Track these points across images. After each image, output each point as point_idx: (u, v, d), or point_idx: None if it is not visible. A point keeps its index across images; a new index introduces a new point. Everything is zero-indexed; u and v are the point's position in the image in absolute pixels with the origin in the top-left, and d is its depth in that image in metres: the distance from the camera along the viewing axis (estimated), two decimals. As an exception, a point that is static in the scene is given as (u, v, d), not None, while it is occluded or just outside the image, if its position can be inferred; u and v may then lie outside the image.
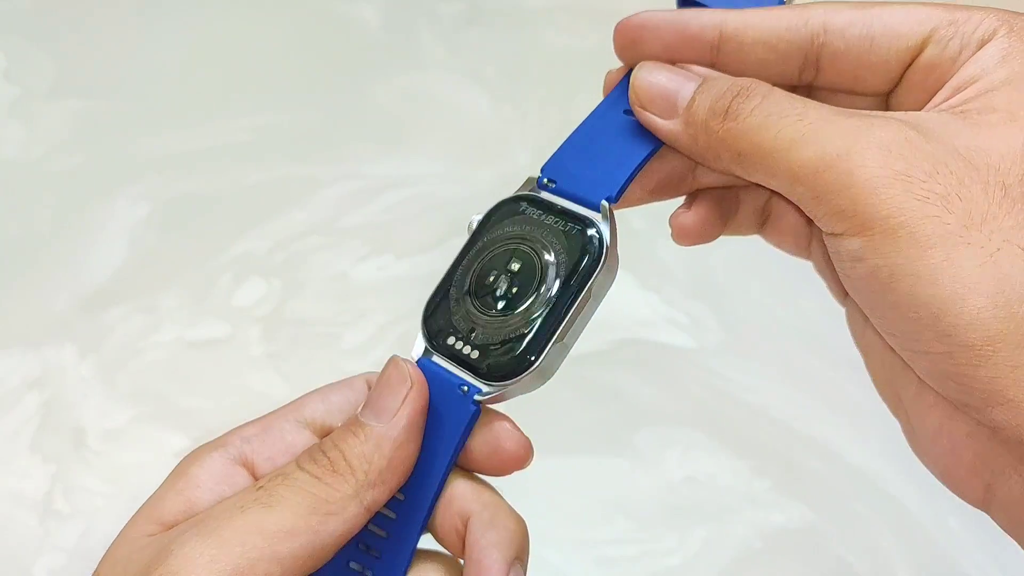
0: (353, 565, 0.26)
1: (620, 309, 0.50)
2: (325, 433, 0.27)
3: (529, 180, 0.29)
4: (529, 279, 0.27)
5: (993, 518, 0.26)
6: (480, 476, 0.27)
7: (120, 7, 0.65)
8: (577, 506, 0.44)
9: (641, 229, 0.49)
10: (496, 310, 0.27)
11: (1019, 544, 0.25)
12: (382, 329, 0.50)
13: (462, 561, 0.26)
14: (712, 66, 0.28)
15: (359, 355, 0.49)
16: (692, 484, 0.45)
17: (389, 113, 0.61)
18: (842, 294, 0.31)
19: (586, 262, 0.27)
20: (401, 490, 0.26)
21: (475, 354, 0.26)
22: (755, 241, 0.33)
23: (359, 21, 0.65)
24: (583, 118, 0.30)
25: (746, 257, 0.49)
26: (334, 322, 0.50)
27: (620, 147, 0.29)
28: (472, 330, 0.27)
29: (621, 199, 0.28)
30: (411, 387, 0.26)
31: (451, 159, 0.58)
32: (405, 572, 0.25)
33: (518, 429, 0.27)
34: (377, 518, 0.25)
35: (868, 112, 0.25)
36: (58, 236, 0.53)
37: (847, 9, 0.27)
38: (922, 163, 0.23)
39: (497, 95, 0.61)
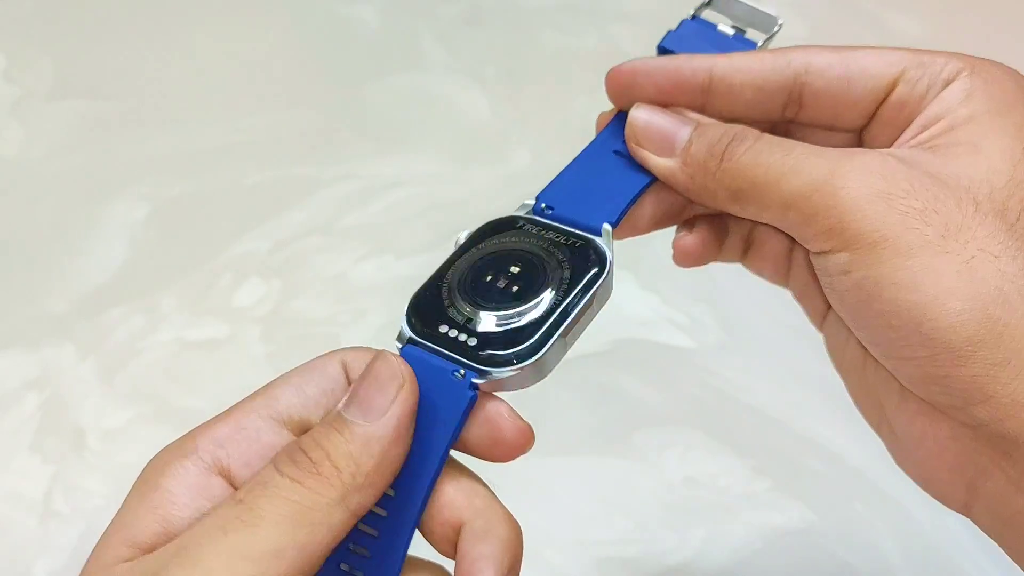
0: (343, 567, 0.25)
1: (620, 309, 0.50)
2: (303, 430, 0.25)
3: (523, 206, 0.30)
4: (532, 278, 0.27)
5: (975, 519, 0.27)
6: (474, 473, 0.26)
7: (120, 8, 0.65)
8: (576, 506, 0.44)
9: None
10: (498, 304, 0.27)
11: (1000, 543, 0.27)
12: (382, 329, 0.50)
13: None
14: (702, 108, 0.31)
15: (359, 355, 0.49)
16: (692, 484, 0.45)
17: (389, 113, 0.61)
18: (820, 320, 0.33)
19: (591, 268, 0.28)
20: (392, 486, 0.24)
21: (472, 341, 0.26)
22: (754, 241, 0.34)
23: (359, 22, 0.65)
24: (585, 124, 0.31)
25: (746, 257, 0.49)
26: (334, 322, 0.50)
27: (616, 179, 0.30)
28: (469, 320, 0.27)
29: (620, 227, 0.30)
30: (402, 385, 0.24)
31: (451, 159, 0.58)
32: (398, 574, 0.25)
33: (516, 414, 0.26)
34: (367, 516, 0.24)
35: (849, 149, 0.27)
36: (58, 236, 0.53)
37: (826, 52, 0.29)
38: (900, 183, 0.25)
39: (497, 95, 0.61)
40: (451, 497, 0.25)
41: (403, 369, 0.25)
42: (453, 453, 0.26)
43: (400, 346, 0.27)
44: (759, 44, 0.32)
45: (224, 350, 0.49)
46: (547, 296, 0.27)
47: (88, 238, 0.53)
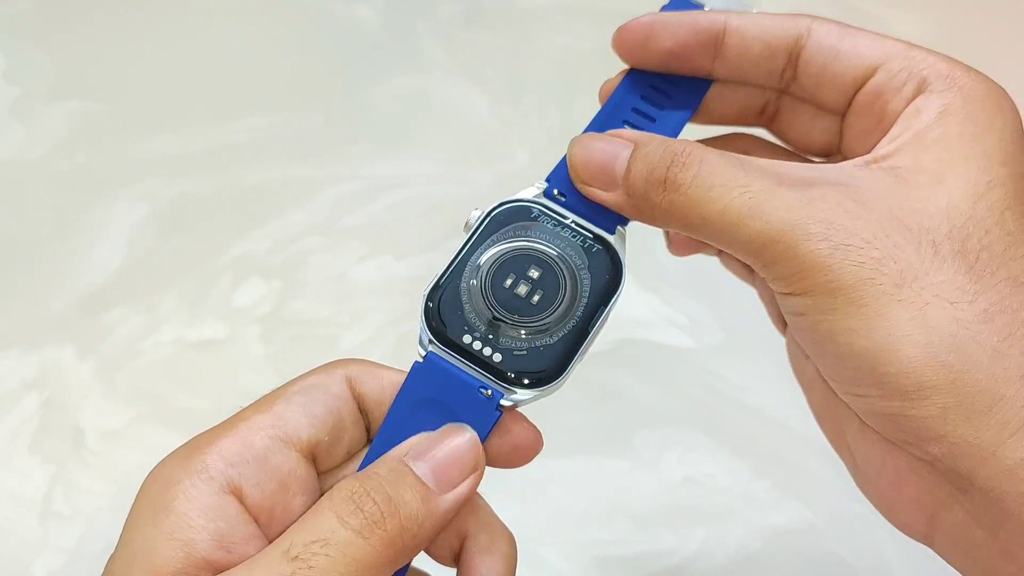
0: None
1: (619, 310, 0.50)
2: (311, 450, 0.25)
3: (535, 187, 0.29)
4: (554, 289, 0.27)
5: (936, 550, 0.27)
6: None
7: (120, 8, 0.65)
8: (576, 506, 0.44)
9: (640, 230, 0.49)
10: (520, 315, 0.27)
11: (962, 574, 0.26)
12: (381, 329, 0.50)
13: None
14: (712, 64, 0.30)
15: (359, 355, 0.49)
16: (691, 484, 0.45)
17: (388, 114, 0.61)
18: (783, 325, 0.33)
19: (609, 282, 0.28)
20: None
21: (497, 357, 0.26)
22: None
23: (358, 22, 0.65)
24: (585, 125, 0.31)
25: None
26: (334, 322, 0.50)
27: None
28: (492, 332, 0.26)
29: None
30: (476, 469, 0.25)
31: (450, 160, 0.58)
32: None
33: (529, 422, 0.27)
34: None
35: (809, 174, 0.26)
36: (58, 237, 0.53)
37: (831, 24, 0.29)
38: (861, 231, 0.25)
39: (496, 96, 0.61)
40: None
41: (480, 455, 0.25)
42: None
43: (424, 353, 0.27)
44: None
45: (224, 350, 0.49)
46: (570, 312, 0.27)
47: (88, 238, 0.53)
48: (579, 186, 0.28)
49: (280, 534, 0.24)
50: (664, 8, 0.32)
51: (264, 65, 0.63)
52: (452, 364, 0.26)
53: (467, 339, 0.26)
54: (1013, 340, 0.24)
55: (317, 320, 0.51)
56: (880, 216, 0.25)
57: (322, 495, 0.26)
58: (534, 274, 0.27)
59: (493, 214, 0.28)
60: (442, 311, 0.27)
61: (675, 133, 0.30)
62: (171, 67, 0.62)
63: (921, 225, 0.25)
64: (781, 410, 0.47)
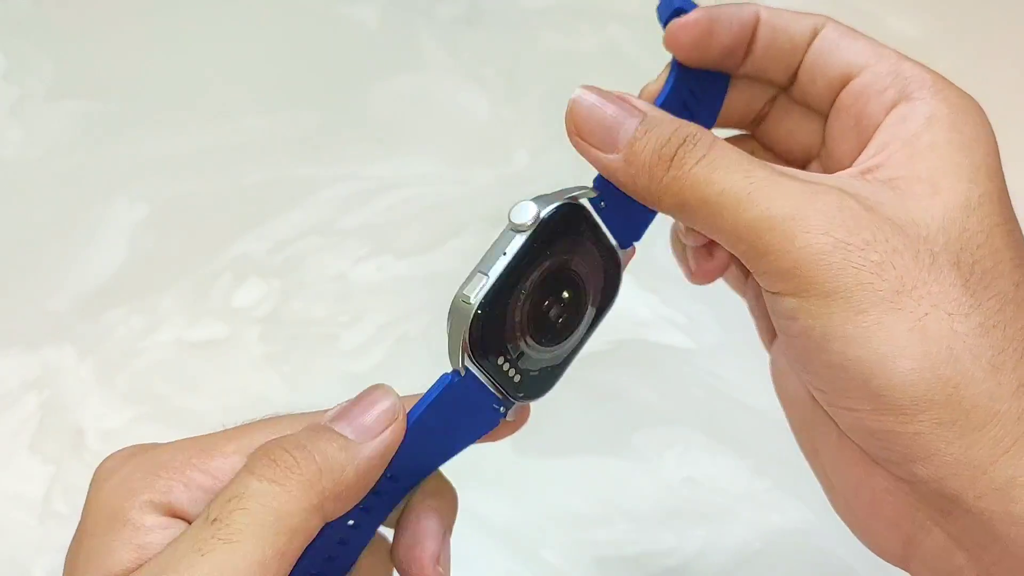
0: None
1: (619, 310, 0.50)
2: None
3: (585, 190, 0.27)
4: (574, 313, 0.27)
5: (913, 573, 0.26)
6: None
7: (120, 8, 0.65)
8: (576, 506, 0.44)
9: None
10: (548, 341, 0.27)
11: None
12: (381, 330, 0.50)
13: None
14: (743, 57, 0.30)
15: (358, 356, 0.49)
16: (691, 484, 0.45)
17: (388, 114, 0.61)
18: (770, 339, 0.32)
19: (606, 299, 0.28)
20: (393, 474, 0.25)
21: (517, 378, 0.26)
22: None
23: (358, 22, 0.65)
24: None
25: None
26: (333, 323, 0.50)
27: None
28: (520, 355, 0.26)
29: None
30: (396, 419, 0.24)
31: (450, 160, 0.58)
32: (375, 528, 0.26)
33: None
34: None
35: (810, 176, 0.26)
36: (57, 237, 0.53)
37: (841, 26, 0.29)
38: (862, 232, 0.24)
39: (496, 96, 0.61)
40: None
41: (399, 406, 0.25)
42: None
43: (462, 368, 0.25)
44: None
45: (223, 350, 0.49)
46: (578, 334, 0.27)
47: (88, 238, 0.53)
48: (573, 139, 0.27)
49: None
50: (662, 5, 0.31)
51: (264, 65, 0.63)
52: (478, 381, 0.25)
53: (499, 360, 0.25)
54: (1006, 355, 0.23)
55: (317, 320, 0.51)
56: (880, 220, 0.24)
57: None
58: (566, 295, 0.27)
59: (548, 221, 0.26)
60: (486, 331, 0.25)
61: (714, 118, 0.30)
62: (171, 67, 0.62)
63: (919, 235, 0.24)
64: (781, 410, 0.47)
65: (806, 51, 0.29)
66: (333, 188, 0.56)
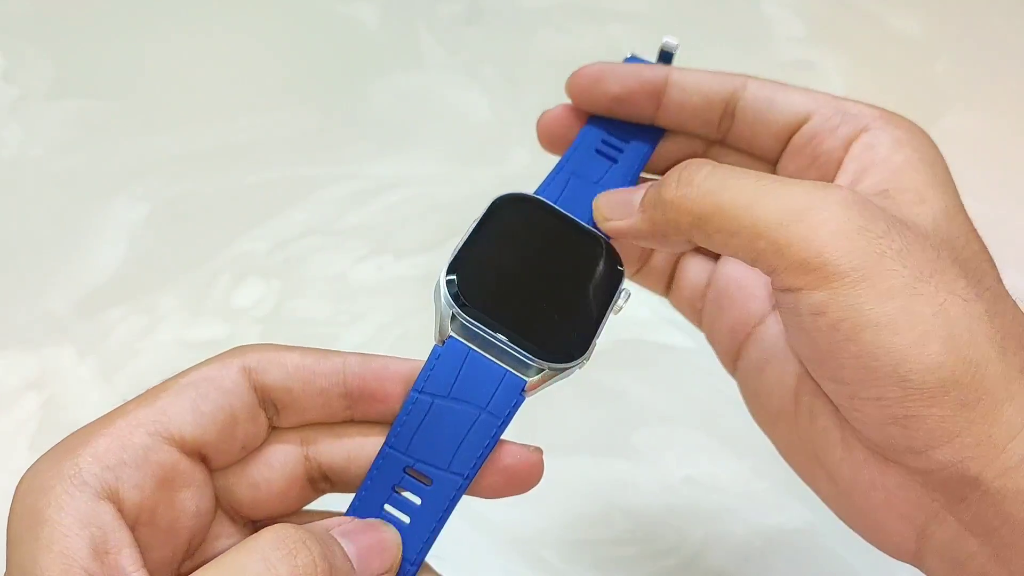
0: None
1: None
2: (195, 450, 0.24)
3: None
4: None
5: (925, 568, 0.27)
6: None
7: (120, 8, 0.65)
8: (576, 506, 0.44)
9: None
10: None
11: None
12: (381, 329, 0.50)
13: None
14: (655, 112, 0.33)
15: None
16: (691, 484, 0.45)
17: (388, 113, 0.61)
18: (732, 364, 0.34)
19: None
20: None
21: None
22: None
23: (358, 21, 0.65)
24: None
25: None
26: (333, 322, 0.50)
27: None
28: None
29: None
30: (392, 571, 0.25)
31: (450, 159, 0.58)
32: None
33: (526, 448, 0.27)
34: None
35: (811, 181, 0.27)
36: (57, 236, 0.53)
37: (764, 81, 0.32)
38: (878, 222, 0.25)
39: (496, 95, 0.61)
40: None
41: (397, 559, 0.25)
42: None
43: (445, 338, 0.27)
44: None
45: (224, 350, 0.49)
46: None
47: (88, 238, 0.53)
48: (601, 224, 0.30)
49: (165, 531, 0.24)
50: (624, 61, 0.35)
51: (264, 65, 0.63)
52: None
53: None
54: (1008, 341, 0.25)
55: (317, 320, 0.51)
56: (889, 215, 0.26)
57: (215, 492, 0.26)
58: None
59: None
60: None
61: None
62: (171, 67, 0.62)
63: (921, 232, 0.26)
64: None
65: (734, 107, 0.32)
66: (333, 188, 0.56)
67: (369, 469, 0.26)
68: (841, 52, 0.64)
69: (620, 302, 0.29)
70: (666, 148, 0.34)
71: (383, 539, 0.25)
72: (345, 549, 0.23)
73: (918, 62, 0.64)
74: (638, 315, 0.50)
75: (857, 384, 0.25)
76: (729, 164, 0.32)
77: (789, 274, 0.25)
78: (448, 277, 0.27)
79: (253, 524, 0.27)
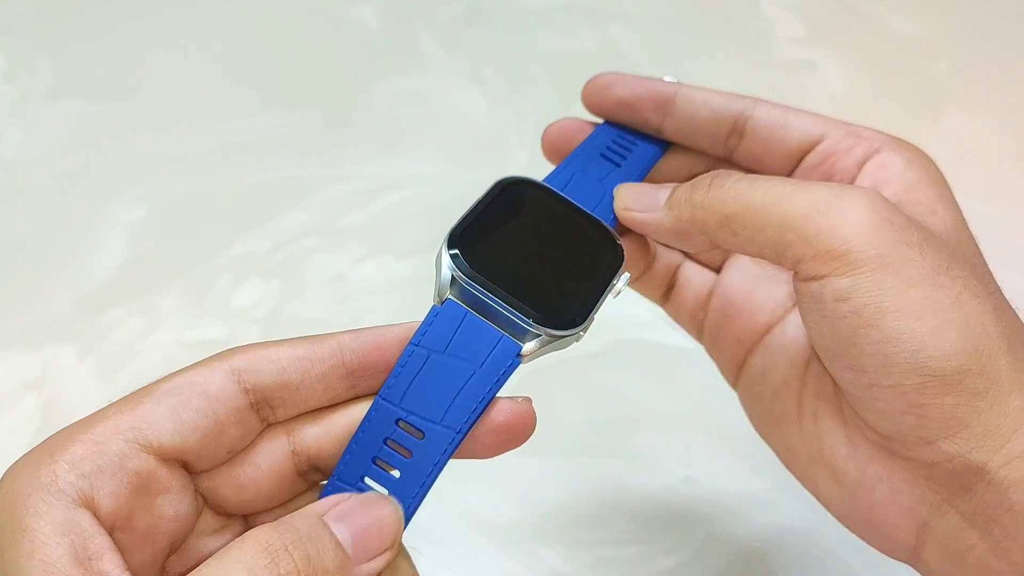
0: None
1: (619, 310, 0.50)
2: (175, 458, 0.24)
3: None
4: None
5: (923, 563, 0.28)
6: None
7: (119, 9, 0.65)
8: (576, 506, 0.44)
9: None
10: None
11: None
12: (381, 329, 0.50)
13: None
14: (661, 122, 0.34)
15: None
16: (691, 484, 0.45)
17: (388, 114, 0.61)
18: (735, 373, 0.35)
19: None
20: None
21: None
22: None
23: (357, 22, 0.65)
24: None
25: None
26: (333, 323, 0.50)
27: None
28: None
29: None
30: (394, 547, 0.24)
31: (450, 160, 0.58)
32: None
33: (514, 402, 0.27)
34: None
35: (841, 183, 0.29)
36: (57, 237, 0.53)
37: (775, 103, 0.33)
38: (899, 216, 0.26)
39: (496, 96, 0.61)
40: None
41: (399, 532, 0.24)
42: None
43: (444, 299, 0.27)
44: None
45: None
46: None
47: (88, 238, 0.53)
48: (621, 213, 0.31)
49: (144, 535, 0.24)
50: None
51: (264, 65, 0.63)
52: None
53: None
54: (1015, 338, 0.26)
55: (316, 320, 0.51)
56: (906, 214, 0.27)
57: (201, 493, 0.25)
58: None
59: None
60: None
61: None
62: (171, 67, 0.62)
63: (935, 234, 0.27)
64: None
65: (744, 124, 0.33)
66: (333, 188, 0.56)
67: (361, 421, 0.26)
68: (841, 52, 0.64)
69: (619, 284, 0.29)
70: (669, 164, 0.35)
71: (381, 517, 0.24)
72: (338, 536, 0.23)
73: (918, 63, 0.64)
74: (638, 315, 0.50)
75: (876, 372, 0.26)
76: None
77: (815, 262, 0.26)
78: (450, 243, 0.28)
79: (243, 519, 0.27)
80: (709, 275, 0.36)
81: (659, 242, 0.33)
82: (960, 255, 0.27)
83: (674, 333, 0.51)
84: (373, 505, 0.24)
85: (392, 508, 0.24)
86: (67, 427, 0.24)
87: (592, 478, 0.45)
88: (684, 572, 0.42)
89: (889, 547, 0.28)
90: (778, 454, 0.32)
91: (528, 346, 0.27)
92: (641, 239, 0.33)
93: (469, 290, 0.27)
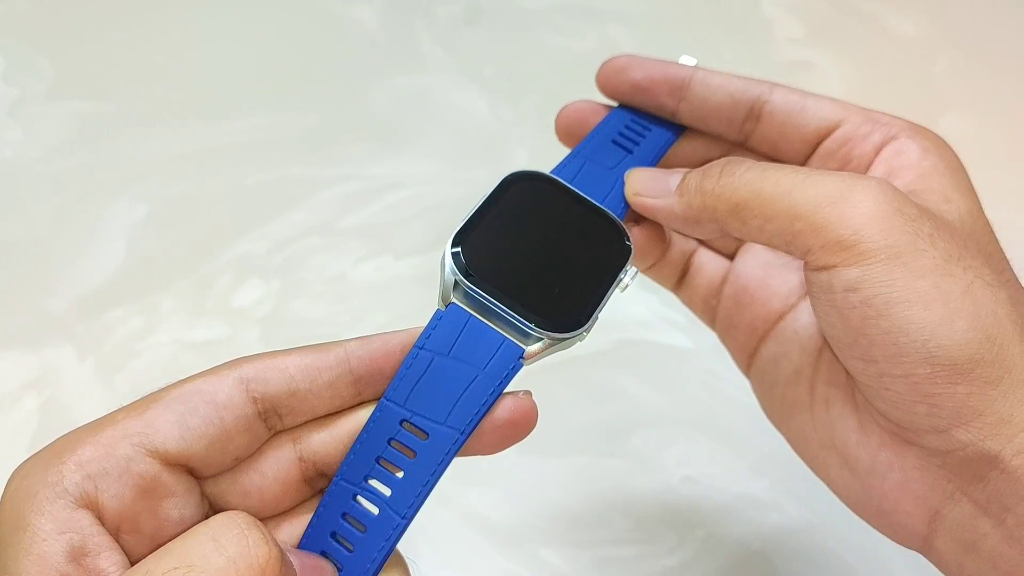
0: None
1: (618, 310, 0.50)
2: (180, 463, 0.25)
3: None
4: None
5: (934, 551, 0.28)
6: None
7: (119, 8, 0.65)
8: (576, 506, 0.44)
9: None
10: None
11: (958, 574, 0.27)
12: (381, 330, 0.50)
13: None
14: (676, 106, 0.34)
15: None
16: (691, 484, 0.45)
17: (388, 114, 0.61)
18: (747, 361, 0.35)
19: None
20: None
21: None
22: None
23: (357, 22, 0.65)
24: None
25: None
26: (333, 323, 0.50)
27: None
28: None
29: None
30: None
31: (450, 160, 0.58)
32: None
33: (516, 397, 0.27)
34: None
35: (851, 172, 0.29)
36: (57, 237, 0.53)
37: (792, 88, 0.33)
38: (910, 205, 0.26)
39: (496, 96, 0.61)
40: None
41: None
42: None
43: (447, 303, 0.28)
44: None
45: (223, 351, 0.49)
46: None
47: (88, 238, 0.53)
48: (631, 198, 0.31)
49: (150, 537, 0.24)
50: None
51: (264, 65, 0.63)
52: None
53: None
54: None
55: (317, 320, 0.51)
56: (918, 204, 0.27)
57: (207, 498, 0.26)
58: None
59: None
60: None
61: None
62: (170, 67, 0.62)
63: (947, 223, 0.27)
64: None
65: (760, 110, 0.32)
66: (333, 188, 0.56)
67: (366, 423, 0.26)
68: (841, 52, 0.64)
69: (626, 279, 0.29)
70: (684, 148, 0.35)
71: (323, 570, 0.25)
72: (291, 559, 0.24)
73: (917, 62, 0.64)
74: (638, 315, 0.50)
75: (886, 361, 0.26)
76: None
77: (825, 252, 0.26)
78: (454, 246, 0.28)
79: None
80: (723, 262, 0.35)
81: (671, 229, 0.33)
82: (973, 244, 0.27)
83: (674, 333, 0.51)
84: (314, 559, 0.25)
85: (331, 570, 0.25)
86: (76, 429, 0.24)
87: (592, 478, 0.45)
88: (684, 572, 0.42)
89: (900, 535, 0.28)
90: (789, 441, 0.32)
91: (531, 349, 0.27)
92: (657, 226, 0.32)
93: (471, 294, 0.27)
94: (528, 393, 0.27)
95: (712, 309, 0.35)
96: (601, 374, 0.48)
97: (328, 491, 0.26)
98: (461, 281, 0.27)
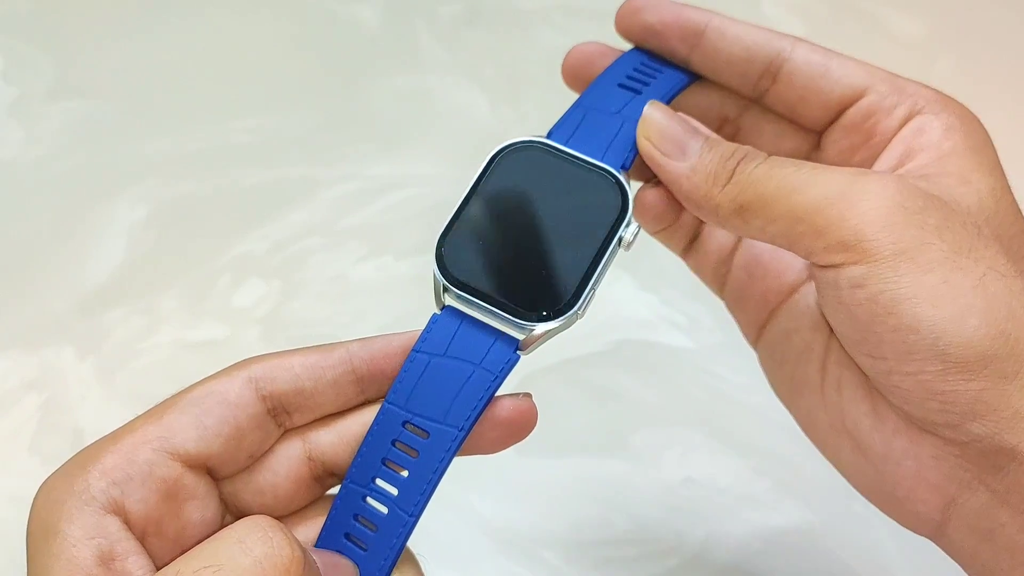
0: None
1: (619, 310, 0.50)
2: (199, 464, 0.25)
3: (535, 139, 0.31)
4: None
5: (947, 539, 0.27)
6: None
7: (119, 8, 0.65)
8: (576, 507, 0.44)
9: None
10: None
11: (972, 563, 0.27)
12: (381, 330, 0.49)
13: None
14: (689, 54, 0.32)
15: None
16: (691, 485, 0.45)
17: (388, 114, 0.61)
18: (755, 333, 0.34)
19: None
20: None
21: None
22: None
23: (357, 22, 0.65)
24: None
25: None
26: (333, 323, 0.50)
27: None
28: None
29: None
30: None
31: (450, 160, 0.58)
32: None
33: (515, 399, 0.27)
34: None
35: (850, 168, 0.28)
36: (57, 237, 0.53)
37: (816, 45, 0.31)
38: (915, 198, 0.25)
39: (496, 96, 0.61)
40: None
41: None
42: None
43: (442, 306, 0.28)
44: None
45: (223, 351, 0.49)
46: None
47: (88, 238, 0.53)
48: (642, 141, 0.30)
49: (173, 540, 0.25)
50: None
51: (264, 65, 0.63)
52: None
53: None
54: None
55: (317, 320, 0.51)
56: (927, 194, 0.26)
57: (223, 499, 0.26)
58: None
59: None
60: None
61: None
62: (171, 67, 0.62)
63: (962, 209, 0.26)
64: (781, 410, 0.47)
65: (778, 68, 0.31)
66: (333, 188, 0.56)
67: (370, 426, 0.27)
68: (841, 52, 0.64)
69: (628, 237, 0.28)
70: (697, 100, 0.33)
71: (343, 568, 0.25)
72: (315, 557, 0.24)
73: (918, 62, 0.64)
74: (638, 315, 0.50)
75: (896, 359, 0.25)
76: (767, 131, 0.32)
77: (827, 253, 0.26)
78: (438, 248, 0.28)
79: None
80: None
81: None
82: (991, 230, 0.26)
83: (674, 333, 0.51)
84: (337, 558, 0.25)
85: (352, 571, 0.26)
86: (97, 440, 0.25)
87: (592, 478, 0.45)
88: (684, 572, 0.42)
89: (911, 521, 0.28)
90: (797, 420, 0.32)
91: (526, 339, 0.27)
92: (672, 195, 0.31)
93: (461, 295, 0.28)
94: (528, 395, 0.27)
95: (722, 277, 0.34)
96: (601, 374, 0.48)
97: (339, 494, 0.27)
98: (447, 285, 0.28)
